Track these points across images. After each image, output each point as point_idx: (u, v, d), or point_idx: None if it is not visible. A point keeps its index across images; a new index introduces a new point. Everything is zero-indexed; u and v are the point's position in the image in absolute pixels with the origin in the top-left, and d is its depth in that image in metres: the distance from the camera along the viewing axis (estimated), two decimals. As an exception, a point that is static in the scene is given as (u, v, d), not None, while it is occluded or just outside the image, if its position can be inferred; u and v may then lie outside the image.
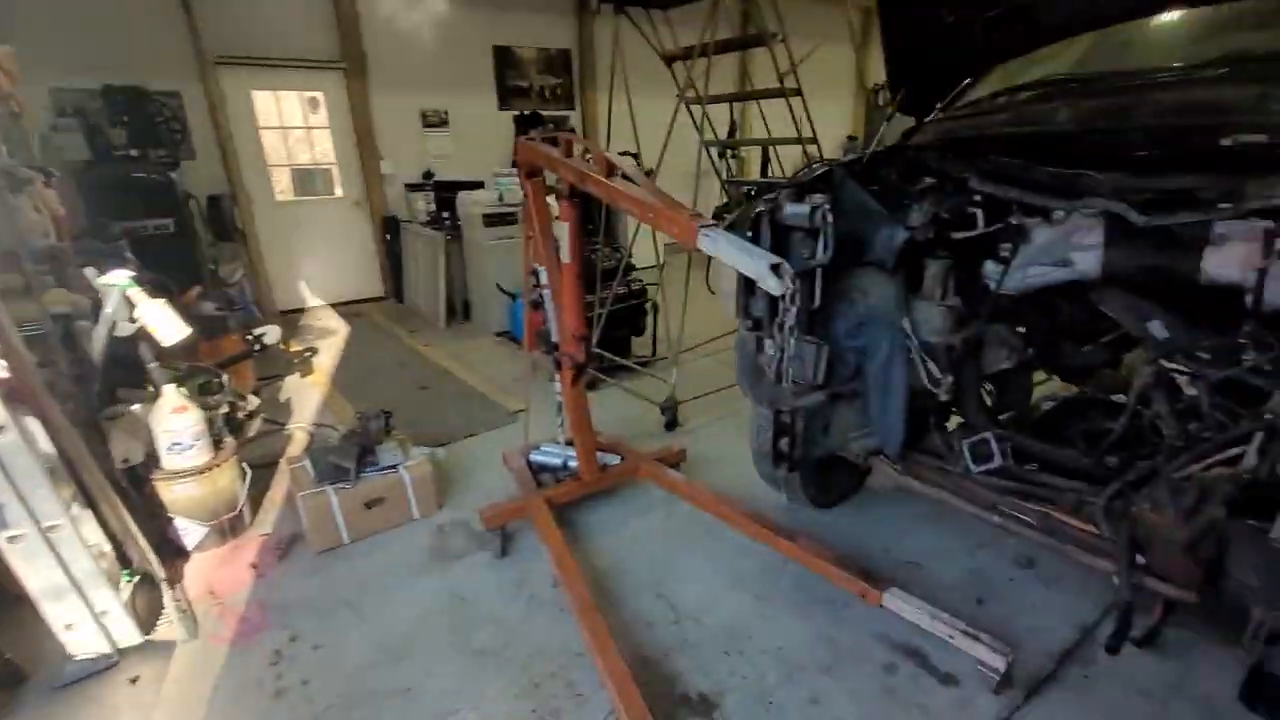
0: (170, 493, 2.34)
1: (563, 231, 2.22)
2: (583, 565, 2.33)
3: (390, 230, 6.24)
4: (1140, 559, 1.41)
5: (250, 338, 3.66)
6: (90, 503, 1.88)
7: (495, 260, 5.07)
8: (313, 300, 6.39)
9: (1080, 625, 2.00)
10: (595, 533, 2.56)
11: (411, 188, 6.36)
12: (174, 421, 2.35)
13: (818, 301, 1.79)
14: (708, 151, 3.87)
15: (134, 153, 4.58)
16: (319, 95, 5.97)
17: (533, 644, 1.98)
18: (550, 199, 2.37)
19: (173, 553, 2.35)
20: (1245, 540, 1.18)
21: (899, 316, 1.89)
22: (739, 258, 1.35)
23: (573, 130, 7.36)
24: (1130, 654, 1.86)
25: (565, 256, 2.25)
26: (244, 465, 2.65)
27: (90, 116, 4.58)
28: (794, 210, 1.64)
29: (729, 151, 8.81)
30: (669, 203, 1.60)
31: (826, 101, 8.24)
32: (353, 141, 6.18)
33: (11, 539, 1.70)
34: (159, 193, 4.45)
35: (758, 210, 1.68)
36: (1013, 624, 2.02)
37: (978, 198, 1.91)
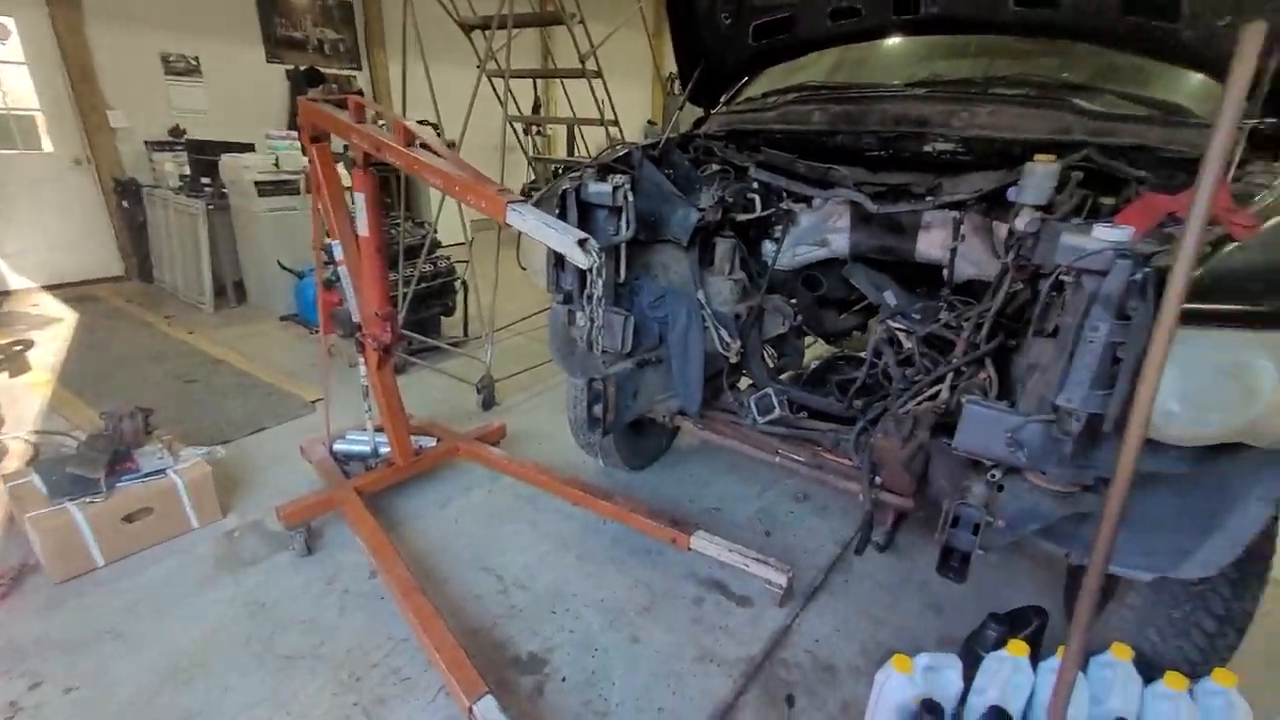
0: None
1: (358, 202, 2.08)
2: (403, 550, 2.24)
3: (128, 196, 5.19)
4: (877, 479, 1.77)
5: (-74, 329, 2.85)
6: None
7: (274, 234, 4.50)
8: (18, 281, 5.11)
9: (842, 542, 2.43)
10: (415, 517, 2.48)
11: (156, 146, 5.35)
12: None
13: (623, 276, 1.92)
14: (512, 127, 3.84)
15: None
16: (8, 21, 4.72)
17: (350, 639, 1.89)
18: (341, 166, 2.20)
19: None
20: (940, 453, 1.56)
21: (694, 289, 2.10)
22: (547, 233, 1.41)
23: (360, 92, 6.74)
24: (875, 558, 2.32)
25: (362, 229, 2.11)
26: (-65, 489, 2.09)
27: None
28: (598, 189, 1.73)
29: (535, 128, 8.76)
30: (476, 176, 1.60)
31: (627, 86, 8.52)
32: (64, 84, 5.00)
33: None
34: None
35: (563, 188, 1.74)
36: (793, 548, 2.39)
37: (756, 185, 2.18)
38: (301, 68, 6.48)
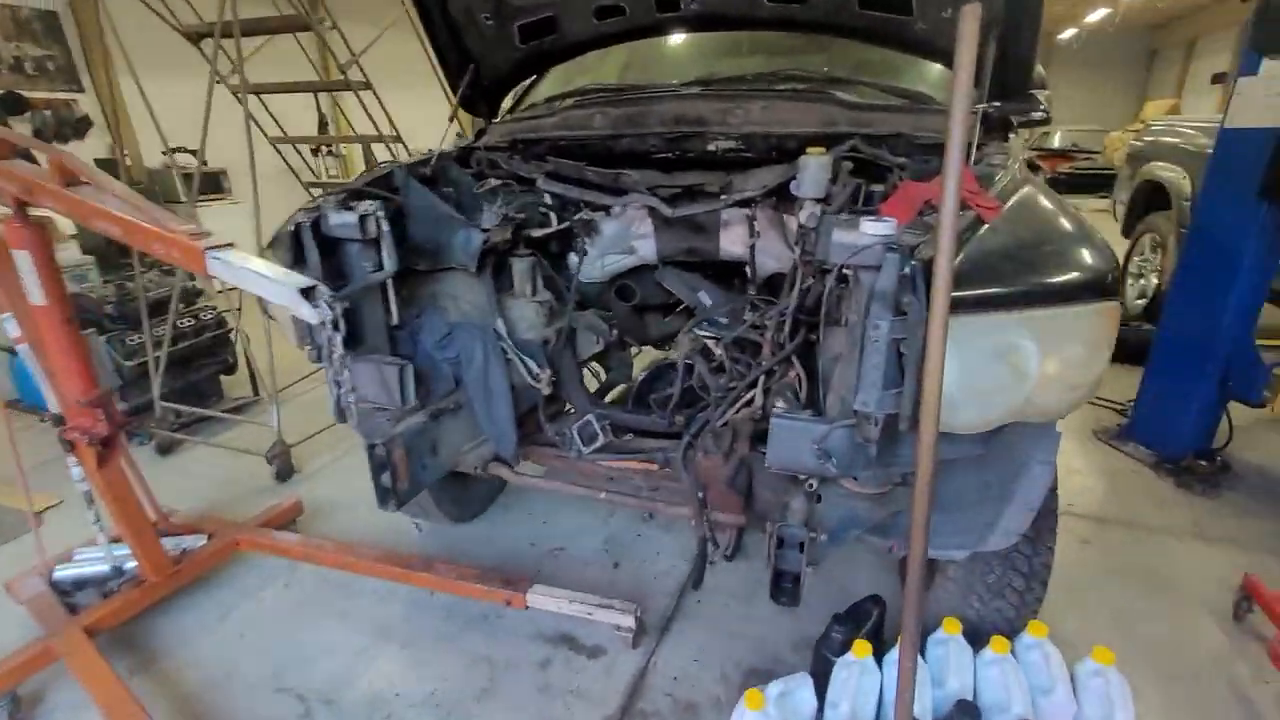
0: None
1: (24, 262, 1.57)
2: (164, 692, 1.80)
3: None
4: (706, 500, 1.67)
5: None
6: None
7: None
8: None
9: (693, 559, 2.33)
10: (185, 641, 1.98)
11: None
12: None
13: (395, 316, 1.64)
14: (275, 148, 3.33)
15: None
16: None
17: (83, 842, 1.42)
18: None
19: None
20: (762, 466, 1.49)
21: (492, 319, 1.87)
22: (260, 283, 1.11)
23: (85, 118, 5.59)
24: (725, 568, 2.25)
25: (36, 298, 1.61)
26: None
27: None
28: (340, 220, 1.44)
29: (326, 150, 7.94)
30: (163, 219, 1.24)
31: (432, 98, 8.02)
32: None
33: None
34: None
35: (297, 222, 1.43)
36: (643, 576, 2.26)
37: (547, 197, 2.01)
38: (-3, 91, 5.23)
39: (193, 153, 5.00)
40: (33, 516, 2.07)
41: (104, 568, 2.01)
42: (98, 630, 1.82)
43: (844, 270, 1.28)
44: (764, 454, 1.39)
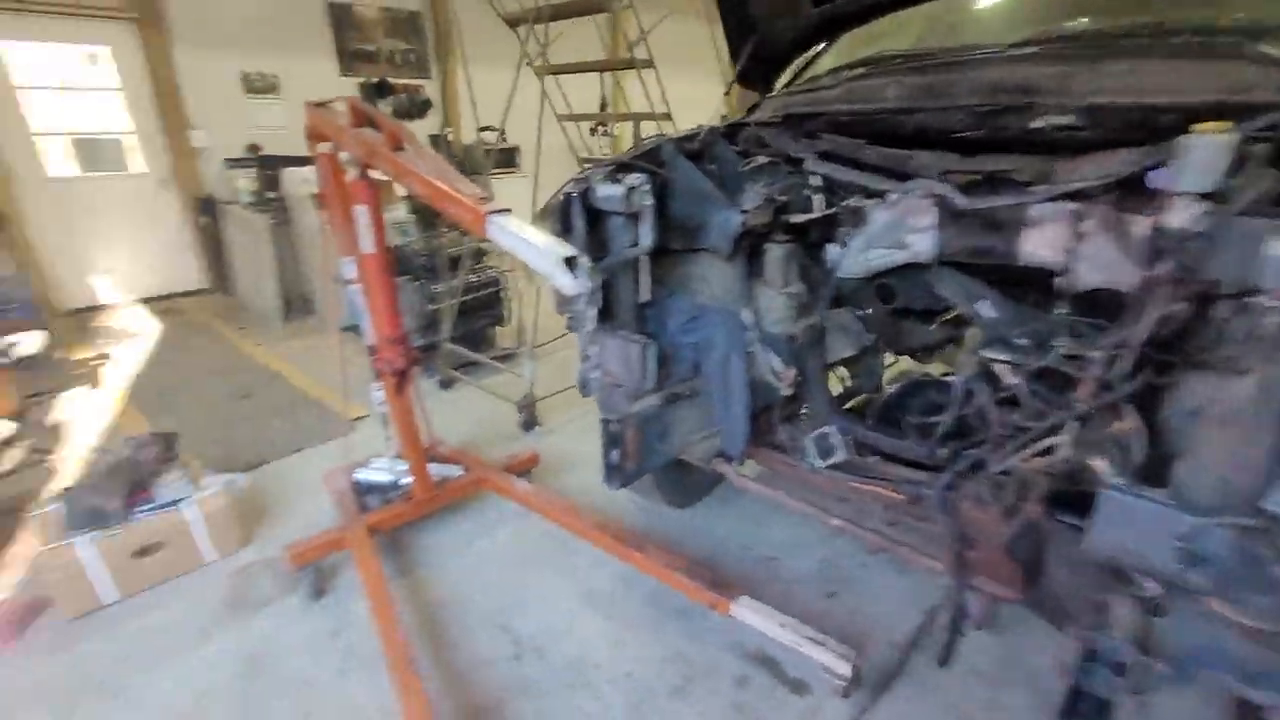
0: None
1: (361, 215, 1.88)
2: (414, 600, 2.06)
3: (207, 213, 5.41)
4: (968, 553, 1.36)
5: (-4, 349, 2.97)
6: None
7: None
8: (112, 296, 5.43)
9: (928, 609, 2.00)
10: (433, 559, 2.27)
11: (234, 163, 5.54)
12: None
13: (645, 293, 1.61)
14: (561, 127, 3.61)
15: None
16: (102, 51, 5.01)
17: (344, 710, 1.69)
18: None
19: None
20: (1060, 540, 1.14)
21: (739, 307, 1.76)
22: (526, 250, 1.12)
23: (427, 101, 6.77)
24: (969, 634, 1.88)
25: (366, 245, 1.91)
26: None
27: None
28: (607, 191, 1.43)
29: (601, 128, 8.54)
30: (457, 183, 1.34)
31: (700, 79, 8.17)
32: (153, 107, 5.26)
33: None
34: None
35: (566, 192, 1.45)
36: (863, 614, 1.99)
37: (815, 179, 1.81)
38: (374, 80, 6.59)
39: (498, 131, 5.79)
40: (350, 426, 2.53)
41: (388, 478, 2.39)
42: (377, 530, 2.16)
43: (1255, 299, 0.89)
44: (1068, 524, 1.06)
